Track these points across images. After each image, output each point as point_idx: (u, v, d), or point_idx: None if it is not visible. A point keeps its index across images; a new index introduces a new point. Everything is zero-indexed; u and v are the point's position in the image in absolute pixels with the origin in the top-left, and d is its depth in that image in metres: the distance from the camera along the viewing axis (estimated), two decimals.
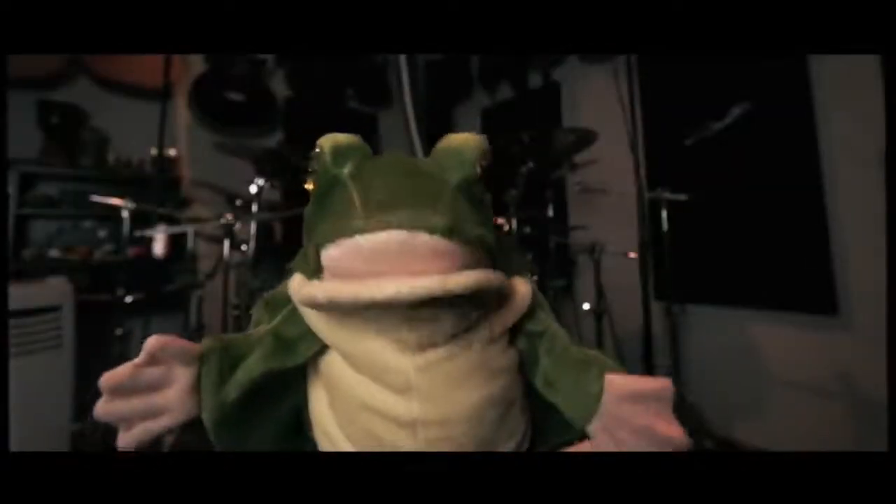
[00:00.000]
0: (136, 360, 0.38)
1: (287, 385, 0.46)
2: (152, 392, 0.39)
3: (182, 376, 0.39)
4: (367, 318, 0.39)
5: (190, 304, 2.00)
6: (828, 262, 1.59)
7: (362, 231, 0.35)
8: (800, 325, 1.68)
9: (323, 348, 0.44)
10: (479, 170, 0.41)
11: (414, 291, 0.34)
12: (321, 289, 0.38)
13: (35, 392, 1.29)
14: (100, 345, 1.60)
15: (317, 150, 0.41)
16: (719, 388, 1.86)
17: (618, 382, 0.39)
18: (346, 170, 0.40)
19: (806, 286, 1.66)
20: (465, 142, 0.42)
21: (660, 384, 0.38)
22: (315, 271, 0.40)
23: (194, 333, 1.70)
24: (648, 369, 1.41)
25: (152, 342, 0.38)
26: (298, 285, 0.41)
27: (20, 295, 1.31)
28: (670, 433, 0.37)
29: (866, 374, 1.50)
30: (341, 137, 0.41)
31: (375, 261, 0.35)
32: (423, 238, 0.34)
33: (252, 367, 0.42)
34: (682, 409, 1.56)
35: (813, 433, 1.61)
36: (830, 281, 1.59)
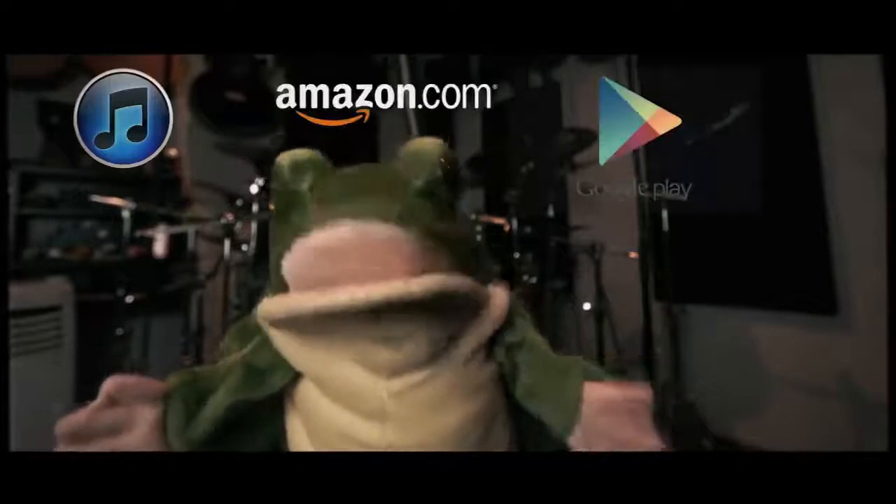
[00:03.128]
0: (94, 404, 0.36)
1: (263, 415, 0.45)
2: (114, 435, 0.37)
3: (145, 416, 0.37)
4: (336, 340, 0.38)
5: (190, 305, 2.00)
6: (828, 262, 1.59)
7: (314, 227, 0.34)
8: (800, 325, 1.68)
9: (297, 376, 0.43)
10: (440, 172, 0.40)
11: (370, 296, 0.32)
12: (276, 302, 0.37)
13: (35, 392, 1.28)
14: (100, 345, 1.60)
15: (275, 166, 0.41)
16: (719, 388, 1.86)
17: (596, 391, 0.38)
18: (305, 184, 0.39)
19: (806, 286, 1.66)
20: (425, 144, 0.42)
21: (638, 392, 0.37)
22: (280, 289, 0.39)
23: (195, 334, 1.70)
24: (649, 369, 1.41)
25: (110, 384, 0.36)
26: (262, 306, 0.40)
27: (20, 295, 1.31)
28: (647, 443, 0.36)
29: (866, 374, 1.50)
30: (300, 153, 0.41)
31: (330, 259, 0.34)
32: (378, 229, 0.33)
33: (220, 400, 0.40)
34: (682, 409, 1.56)
35: (813, 433, 1.60)
36: (830, 281, 1.58)
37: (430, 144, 0.41)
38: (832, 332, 1.59)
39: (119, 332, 1.56)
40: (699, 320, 1.93)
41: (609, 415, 0.37)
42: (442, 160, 0.40)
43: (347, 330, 0.36)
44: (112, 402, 0.36)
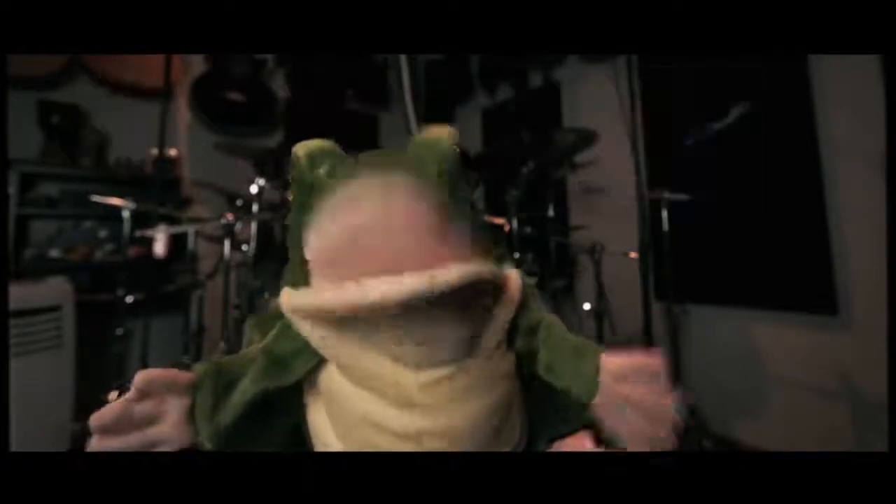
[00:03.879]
0: (126, 397, 0.37)
1: (286, 401, 0.45)
2: (146, 426, 0.38)
3: (175, 407, 0.39)
4: (364, 333, 0.39)
5: (190, 305, 2.00)
6: (828, 262, 1.59)
7: (337, 187, 0.35)
8: (800, 325, 1.68)
9: (320, 362, 0.44)
10: (453, 161, 0.41)
11: (400, 292, 0.33)
12: (305, 298, 0.38)
13: (35, 392, 1.29)
14: (100, 345, 1.60)
15: (292, 157, 0.42)
16: (719, 388, 1.86)
17: (612, 361, 0.39)
18: (322, 171, 0.40)
19: (806, 286, 1.66)
20: (439, 136, 0.42)
21: (650, 359, 0.38)
22: (301, 280, 0.40)
23: (195, 334, 1.70)
24: None
25: (140, 378, 0.37)
26: (287, 298, 0.41)
27: (20, 295, 1.31)
28: (665, 403, 0.37)
29: (866, 374, 1.50)
30: (314, 143, 0.42)
31: (354, 210, 0.35)
32: (399, 180, 0.35)
33: (246, 388, 0.41)
34: (682, 409, 1.57)
35: (813, 433, 1.60)
36: (830, 281, 1.59)
37: (442, 136, 0.42)
38: (832, 332, 1.59)
39: (119, 332, 1.56)
40: (699, 320, 1.93)
41: (626, 381, 0.38)
42: (454, 148, 0.41)
43: (373, 326, 0.37)
44: (142, 395, 0.38)
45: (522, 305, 0.45)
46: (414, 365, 0.39)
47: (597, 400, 0.40)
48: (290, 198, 0.42)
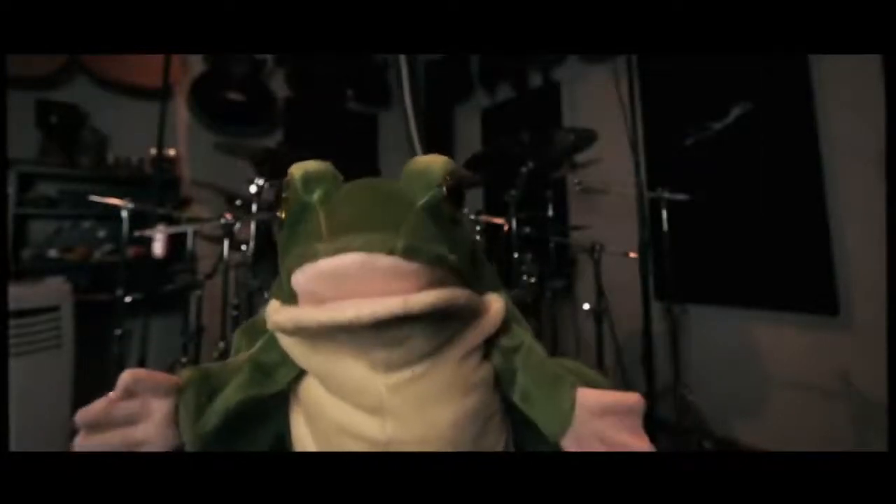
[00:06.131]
0: (111, 395, 0.38)
1: (269, 411, 0.46)
2: (129, 425, 0.39)
3: (158, 409, 0.39)
4: (337, 341, 0.39)
5: (189, 305, 1.99)
6: (828, 263, 1.59)
7: (324, 255, 0.35)
8: (800, 326, 1.68)
9: (301, 374, 0.44)
10: (445, 190, 0.41)
11: (374, 314, 0.34)
12: (286, 315, 0.38)
13: (35, 392, 1.28)
14: (99, 345, 1.59)
15: (288, 177, 0.42)
16: (719, 388, 1.86)
17: (589, 397, 0.40)
18: (316, 196, 0.40)
19: (806, 286, 1.66)
20: (430, 163, 0.42)
21: (630, 399, 0.38)
22: (289, 296, 0.41)
23: (194, 334, 1.69)
24: (648, 369, 1.41)
25: (126, 377, 0.38)
26: (272, 312, 0.42)
27: (20, 295, 1.31)
28: (639, 446, 0.37)
29: (866, 374, 1.50)
30: (311, 165, 0.42)
31: (338, 283, 0.36)
32: (382, 259, 0.35)
33: (229, 395, 0.42)
34: (682, 409, 1.56)
35: (813, 433, 1.60)
36: (831, 281, 1.59)
37: (433, 164, 0.42)
38: (832, 333, 1.59)
39: (118, 332, 1.56)
40: (699, 320, 1.93)
41: (602, 417, 0.39)
42: (446, 178, 0.41)
43: (349, 336, 0.38)
44: (128, 393, 0.38)
45: (504, 329, 0.46)
46: (383, 367, 0.40)
47: (570, 433, 0.40)
48: (282, 216, 0.42)
